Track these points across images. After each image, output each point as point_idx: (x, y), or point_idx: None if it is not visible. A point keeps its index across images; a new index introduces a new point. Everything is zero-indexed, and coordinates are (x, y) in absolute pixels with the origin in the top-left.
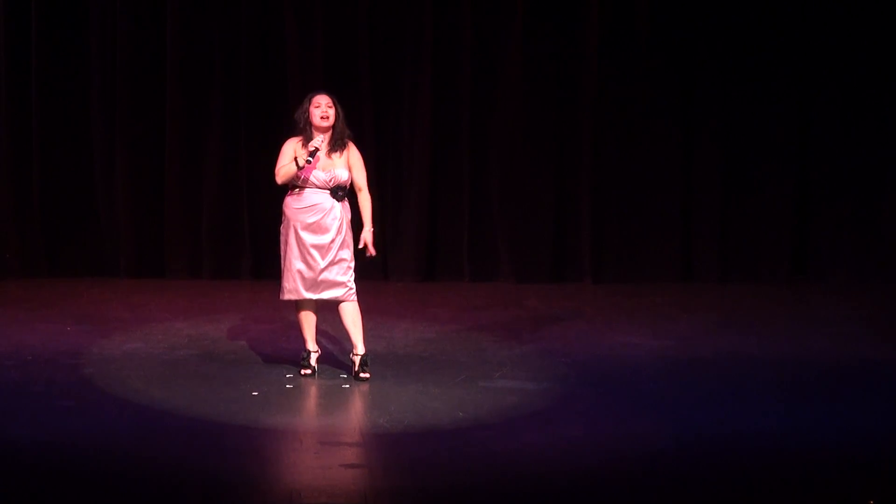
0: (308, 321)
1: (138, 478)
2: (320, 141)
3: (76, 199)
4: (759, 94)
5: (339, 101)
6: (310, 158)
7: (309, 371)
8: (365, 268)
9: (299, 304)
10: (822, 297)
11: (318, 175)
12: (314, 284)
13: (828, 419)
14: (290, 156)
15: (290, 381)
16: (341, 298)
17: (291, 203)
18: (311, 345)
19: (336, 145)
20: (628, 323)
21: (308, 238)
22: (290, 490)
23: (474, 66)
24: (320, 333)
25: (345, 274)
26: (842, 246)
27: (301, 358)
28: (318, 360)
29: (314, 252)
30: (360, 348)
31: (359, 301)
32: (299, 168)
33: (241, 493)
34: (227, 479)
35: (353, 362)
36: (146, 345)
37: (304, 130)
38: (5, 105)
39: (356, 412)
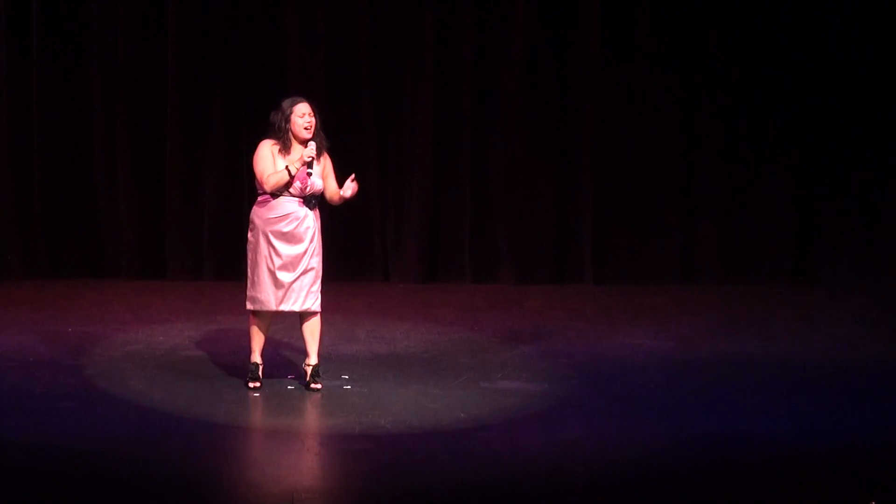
0: (261, 333)
1: (139, 478)
2: (314, 149)
3: (77, 201)
4: (760, 95)
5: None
6: (310, 171)
7: (258, 384)
8: (366, 269)
9: (257, 315)
10: (823, 298)
11: (294, 184)
12: (285, 296)
13: (828, 419)
14: (271, 161)
15: (290, 381)
16: (311, 309)
17: (263, 213)
18: (258, 357)
19: (315, 153)
20: (629, 324)
21: (282, 248)
22: (290, 491)
23: (475, 66)
24: (328, 336)
25: (314, 284)
26: (843, 247)
27: (248, 371)
28: (263, 372)
29: (288, 263)
30: (313, 358)
31: (322, 310)
32: (291, 176)
33: (242, 494)
34: (228, 479)
35: (305, 372)
36: (147, 346)
37: (283, 138)
38: (6, 106)
39: (357, 413)
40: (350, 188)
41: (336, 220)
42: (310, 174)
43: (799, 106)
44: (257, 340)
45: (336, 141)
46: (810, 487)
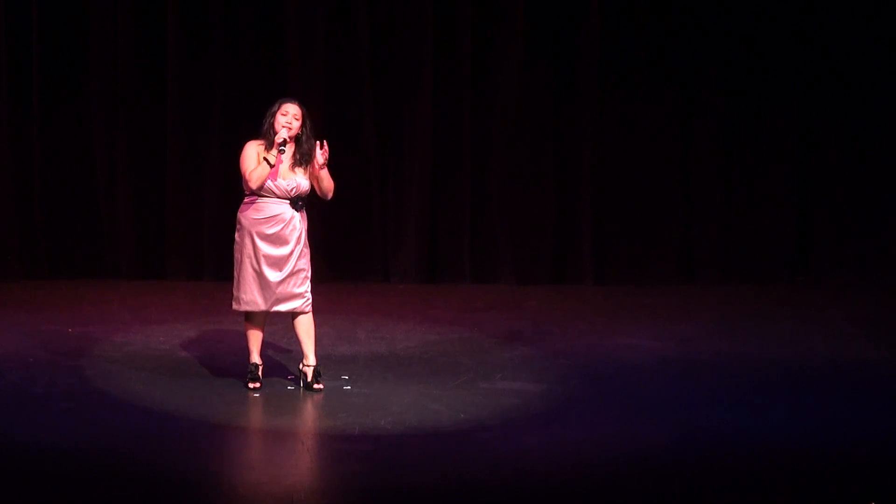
0: (257, 334)
1: (138, 479)
2: (286, 134)
3: (77, 201)
4: (759, 95)
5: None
6: (283, 148)
7: (258, 384)
8: (366, 269)
9: (250, 316)
10: (824, 298)
11: (279, 184)
12: (272, 296)
13: (828, 419)
14: (255, 160)
15: (290, 382)
16: (299, 310)
17: (249, 213)
18: (257, 357)
19: (302, 159)
20: (629, 324)
21: (267, 249)
22: (290, 491)
23: (476, 66)
24: (327, 336)
25: (302, 285)
26: (843, 246)
27: (248, 372)
28: (263, 372)
29: (273, 264)
30: (311, 359)
31: (313, 311)
32: (272, 166)
33: (242, 495)
34: (228, 480)
35: (305, 374)
36: (147, 346)
37: (267, 135)
38: (6, 107)
39: (357, 413)
40: (321, 154)
41: (336, 221)
42: (282, 151)
43: (799, 105)
44: (254, 341)
45: (336, 141)
46: (810, 487)
